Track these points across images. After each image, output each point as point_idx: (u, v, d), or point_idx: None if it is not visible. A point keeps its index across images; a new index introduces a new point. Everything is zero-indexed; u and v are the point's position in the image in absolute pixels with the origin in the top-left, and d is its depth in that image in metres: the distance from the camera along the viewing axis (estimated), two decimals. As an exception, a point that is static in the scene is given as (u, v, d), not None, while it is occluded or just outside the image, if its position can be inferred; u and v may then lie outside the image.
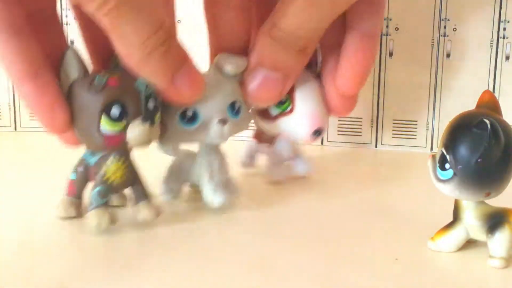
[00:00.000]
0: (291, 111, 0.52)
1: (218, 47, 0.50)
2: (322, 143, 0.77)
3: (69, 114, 0.43)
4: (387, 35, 0.74)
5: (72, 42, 0.43)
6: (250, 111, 0.51)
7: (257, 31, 0.46)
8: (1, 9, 0.40)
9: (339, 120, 0.76)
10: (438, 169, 0.40)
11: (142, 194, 0.47)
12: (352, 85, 0.47)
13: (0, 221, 0.49)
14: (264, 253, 0.42)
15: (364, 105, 0.75)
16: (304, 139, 0.52)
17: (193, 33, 0.80)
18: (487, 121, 0.37)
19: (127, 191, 0.48)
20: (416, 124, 0.75)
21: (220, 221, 0.49)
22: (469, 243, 0.43)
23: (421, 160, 0.50)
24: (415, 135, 0.75)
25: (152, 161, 0.48)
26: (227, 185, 0.51)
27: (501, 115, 0.41)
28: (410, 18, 0.73)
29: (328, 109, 0.51)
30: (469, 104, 0.70)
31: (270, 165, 0.59)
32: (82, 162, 0.49)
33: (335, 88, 0.49)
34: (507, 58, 0.72)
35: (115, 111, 0.42)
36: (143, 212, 0.46)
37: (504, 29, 0.71)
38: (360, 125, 0.76)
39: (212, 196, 0.49)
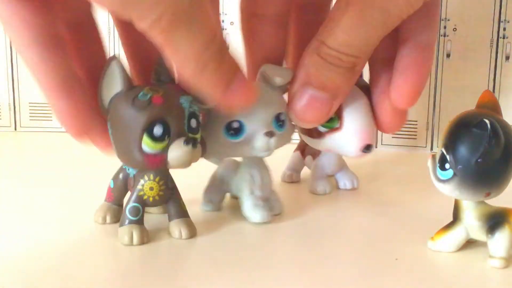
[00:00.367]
0: (339, 128, 0.51)
1: (253, 61, 0.49)
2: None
3: (105, 134, 0.42)
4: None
5: (115, 55, 0.42)
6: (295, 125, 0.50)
7: (293, 47, 0.45)
8: (36, 21, 0.39)
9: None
10: (438, 169, 0.40)
11: (178, 212, 0.45)
12: (409, 98, 0.44)
13: (0, 220, 0.49)
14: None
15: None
16: (353, 156, 0.51)
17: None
18: (487, 121, 0.37)
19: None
20: (416, 124, 0.75)
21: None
22: (469, 243, 0.43)
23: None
24: (415, 135, 0.76)
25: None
26: (269, 201, 0.50)
27: (501, 115, 0.41)
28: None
29: (378, 125, 0.49)
30: (468, 103, 0.70)
31: (313, 179, 0.58)
32: (122, 171, 0.48)
33: (389, 103, 0.46)
34: (507, 58, 0.72)
35: (157, 130, 0.40)
36: (177, 230, 0.45)
37: (504, 29, 0.71)
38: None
39: (251, 212, 0.48)
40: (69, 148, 0.80)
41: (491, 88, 0.73)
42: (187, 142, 0.41)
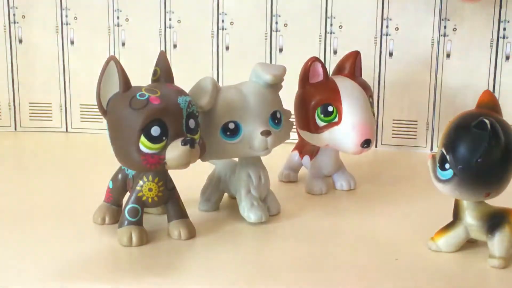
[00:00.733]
0: (338, 122, 0.52)
1: None
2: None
3: None
4: (387, 35, 0.74)
5: (113, 55, 0.41)
6: (294, 122, 0.50)
7: None
8: None
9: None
10: (438, 169, 0.40)
11: (177, 213, 0.45)
12: None
13: (1, 221, 0.49)
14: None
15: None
16: (352, 151, 0.52)
17: (193, 33, 0.80)
18: (487, 121, 0.37)
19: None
20: (416, 124, 0.75)
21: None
22: (469, 243, 0.43)
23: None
24: (415, 135, 0.75)
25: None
26: (266, 201, 0.50)
27: (501, 115, 0.41)
28: (410, 18, 0.73)
29: None
30: (468, 103, 0.70)
31: (310, 179, 0.58)
32: (121, 171, 0.48)
33: None
34: (507, 58, 0.72)
35: (155, 130, 0.40)
36: (176, 231, 0.45)
37: (504, 29, 0.71)
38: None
39: (248, 212, 0.48)
40: (68, 149, 0.80)
41: (491, 88, 0.72)
42: (185, 142, 0.41)
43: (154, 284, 0.38)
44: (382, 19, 0.74)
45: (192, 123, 0.42)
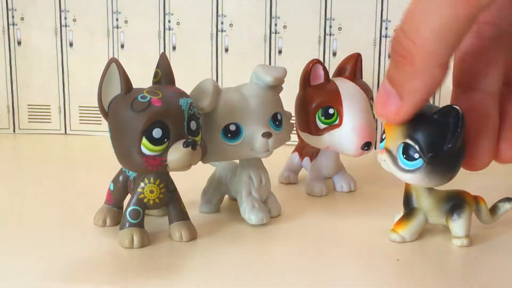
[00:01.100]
0: (338, 124, 0.52)
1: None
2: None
3: None
4: (386, 37, 0.74)
5: (114, 57, 0.41)
6: (294, 124, 0.50)
7: None
8: None
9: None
10: (402, 160, 0.40)
11: (179, 214, 0.45)
12: None
13: (1, 223, 0.49)
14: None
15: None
16: (353, 154, 0.52)
17: (192, 35, 0.80)
18: (458, 108, 0.37)
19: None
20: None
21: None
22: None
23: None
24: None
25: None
26: (267, 202, 0.50)
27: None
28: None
29: (497, 156, 0.40)
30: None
31: (310, 180, 0.58)
32: (122, 173, 0.48)
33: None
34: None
35: (156, 132, 0.40)
36: (178, 233, 0.45)
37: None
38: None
39: (249, 214, 0.48)
40: (67, 151, 0.80)
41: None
42: (186, 144, 0.41)
43: (155, 285, 0.38)
44: (382, 21, 0.74)
45: (193, 125, 0.42)
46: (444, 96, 0.74)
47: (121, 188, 0.48)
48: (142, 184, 0.44)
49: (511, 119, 0.38)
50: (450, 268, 0.42)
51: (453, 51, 0.33)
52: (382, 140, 0.42)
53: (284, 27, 0.77)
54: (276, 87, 0.48)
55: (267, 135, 0.45)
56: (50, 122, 0.84)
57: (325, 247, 0.45)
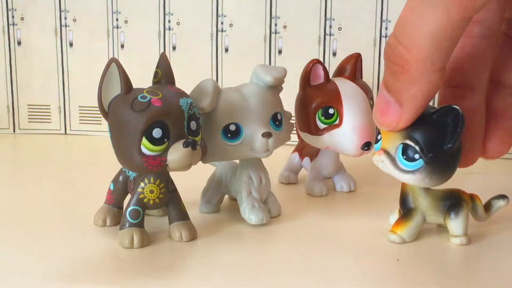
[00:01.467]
0: (338, 124, 0.52)
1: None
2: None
3: None
4: (386, 37, 0.74)
5: (114, 57, 0.41)
6: (294, 124, 0.50)
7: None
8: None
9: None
10: (402, 161, 0.40)
11: (179, 214, 0.45)
12: (498, 152, 0.39)
13: (1, 223, 0.49)
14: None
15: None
16: (353, 154, 0.52)
17: (192, 35, 0.80)
18: (458, 108, 0.38)
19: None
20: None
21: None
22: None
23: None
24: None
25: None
26: (267, 202, 0.50)
27: None
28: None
29: (483, 151, 0.41)
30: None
31: (310, 180, 0.58)
32: (122, 173, 0.48)
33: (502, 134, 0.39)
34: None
35: (156, 132, 0.40)
36: (178, 233, 0.45)
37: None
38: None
39: (249, 214, 0.48)
40: (67, 151, 0.80)
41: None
42: (186, 144, 0.41)
43: (155, 285, 0.38)
44: (382, 21, 0.74)
45: (193, 125, 0.42)
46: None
47: (121, 188, 0.48)
48: (142, 184, 0.44)
49: (497, 116, 0.38)
50: (450, 267, 0.42)
51: (449, 55, 0.33)
52: (377, 141, 0.42)
53: (284, 27, 0.77)
54: (276, 87, 0.48)
55: (267, 135, 0.45)
56: (50, 122, 0.84)
57: (325, 247, 0.45)
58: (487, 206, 0.46)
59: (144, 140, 0.40)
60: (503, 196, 0.46)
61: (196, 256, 0.43)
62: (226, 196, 0.53)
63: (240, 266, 0.41)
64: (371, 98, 0.55)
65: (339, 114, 0.51)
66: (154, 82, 0.44)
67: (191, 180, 0.49)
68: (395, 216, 0.47)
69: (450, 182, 0.41)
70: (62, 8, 0.81)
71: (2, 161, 0.72)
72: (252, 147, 0.46)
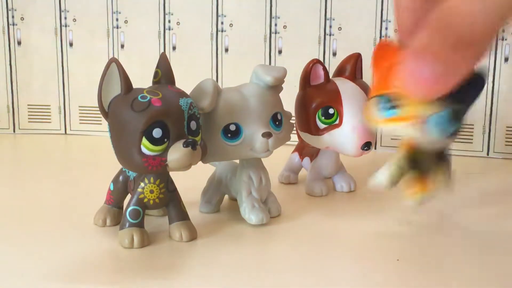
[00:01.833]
0: (338, 124, 0.52)
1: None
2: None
3: None
4: (386, 36, 0.74)
5: (114, 57, 0.41)
6: (294, 123, 0.50)
7: None
8: None
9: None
10: (443, 125, 0.39)
11: (179, 214, 0.45)
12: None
13: (0, 223, 0.49)
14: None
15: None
16: (353, 154, 0.52)
17: (192, 35, 0.80)
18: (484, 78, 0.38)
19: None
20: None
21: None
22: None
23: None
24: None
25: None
26: (267, 202, 0.50)
27: None
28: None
29: None
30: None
31: (310, 180, 0.58)
32: (122, 173, 0.48)
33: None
34: (506, 59, 0.72)
35: (156, 132, 0.40)
36: (178, 233, 0.45)
37: (503, 30, 0.71)
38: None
39: (249, 214, 0.48)
40: (67, 151, 0.80)
41: (490, 90, 0.73)
42: (186, 144, 0.41)
43: (155, 285, 0.38)
44: (382, 21, 0.74)
45: (193, 125, 0.42)
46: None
47: (121, 188, 0.48)
48: (142, 184, 0.44)
49: None
50: (450, 267, 0.42)
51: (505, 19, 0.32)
52: (391, 108, 0.39)
53: (284, 27, 0.77)
54: (276, 87, 0.48)
55: (267, 135, 0.45)
56: (50, 122, 0.84)
57: (325, 247, 0.45)
58: None
59: (144, 140, 0.40)
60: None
61: (196, 256, 0.43)
62: (226, 196, 0.53)
63: (240, 266, 0.41)
64: None
65: (339, 114, 0.51)
66: (154, 82, 0.44)
67: (191, 180, 0.49)
68: (383, 174, 0.42)
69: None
70: (62, 8, 0.81)
71: (2, 161, 0.72)
72: (252, 147, 0.46)
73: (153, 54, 0.78)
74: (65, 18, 0.81)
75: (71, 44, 0.82)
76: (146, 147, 0.41)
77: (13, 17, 0.82)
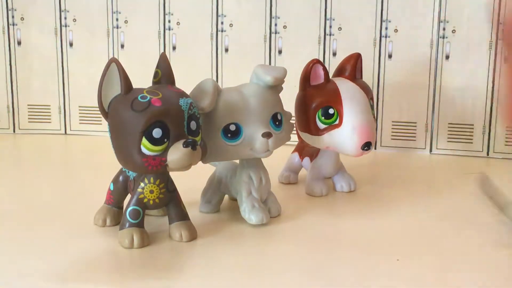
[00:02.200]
0: (338, 124, 0.52)
1: None
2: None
3: None
4: (386, 37, 0.74)
5: (114, 57, 0.41)
6: (294, 124, 0.50)
7: None
8: None
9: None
10: None
11: (179, 215, 0.45)
12: None
13: (0, 223, 0.49)
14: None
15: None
16: (353, 154, 0.52)
17: (192, 35, 0.80)
18: None
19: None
20: (415, 126, 0.75)
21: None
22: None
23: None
24: (414, 137, 0.76)
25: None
26: (267, 202, 0.50)
27: None
28: (409, 20, 0.73)
29: None
30: (467, 105, 0.70)
31: (310, 180, 0.58)
32: (122, 173, 0.48)
33: None
34: (506, 60, 0.72)
35: (156, 132, 0.40)
36: (178, 233, 0.45)
37: (503, 31, 0.71)
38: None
39: (249, 214, 0.48)
40: (67, 151, 0.80)
41: (490, 90, 0.73)
42: (186, 144, 0.41)
43: (155, 285, 0.38)
44: (381, 21, 0.74)
45: (193, 125, 0.42)
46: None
47: (121, 188, 0.48)
48: (142, 184, 0.44)
49: None
50: (450, 267, 0.42)
51: None
52: None
53: (284, 27, 0.77)
54: (276, 87, 0.48)
55: (267, 135, 0.46)
56: (50, 122, 0.84)
57: (325, 247, 0.45)
58: None
59: (144, 140, 0.40)
60: None
61: (196, 256, 0.43)
62: (226, 196, 0.53)
63: (240, 266, 0.41)
64: (371, 98, 0.55)
65: (339, 114, 0.51)
66: (154, 82, 0.44)
67: (191, 180, 0.49)
68: None
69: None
70: (62, 8, 0.81)
71: (2, 161, 0.72)
72: (252, 147, 0.46)
73: (153, 54, 0.78)
74: (65, 18, 0.81)
75: (71, 44, 0.82)
76: (146, 147, 0.41)
77: (13, 17, 0.82)
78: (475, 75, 0.73)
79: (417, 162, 0.71)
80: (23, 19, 0.82)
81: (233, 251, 0.43)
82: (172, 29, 0.80)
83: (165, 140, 0.41)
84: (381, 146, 0.76)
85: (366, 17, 0.74)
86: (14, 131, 0.84)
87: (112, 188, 0.48)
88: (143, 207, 0.44)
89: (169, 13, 0.79)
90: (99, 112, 0.43)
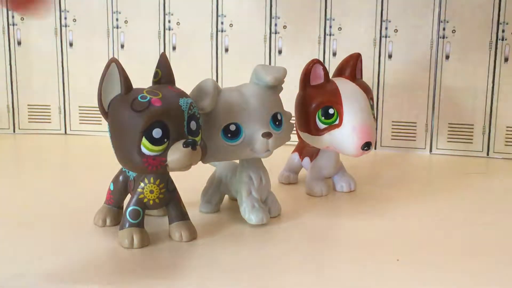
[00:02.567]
0: (338, 124, 0.52)
1: None
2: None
3: None
4: (386, 37, 0.74)
5: (114, 57, 0.40)
6: (294, 124, 0.50)
7: None
8: None
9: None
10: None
11: (178, 214, 0.45)
12: None
13: (0, 223, 0.49)
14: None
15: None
16: (353, 154, 0.52)
17: (192, 35, 0.80)
18: None
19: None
20: (415, 126, 0.75)
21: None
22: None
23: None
24: (414, 137, 0.76)
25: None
26: (267, 202, 0.50)
27: None
28: (409, 20, 0.73)
29: None
30: (467, 105, 0.70)
31: (310, 180, 0.58)
32: (122, 173, 0.48)
33: None
34: (506, 59, 0.72)
35: (156, 132, 0.40)
36: (178, 233, 0.45)
37: (503, 31, 0.71)
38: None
39: (249, 214, 0.48)
40: (67, 151, 0.80)
41: (490, 90, 0.73)
42: (186, 144, 0.41)
43: (155, 285, 0.38)
44: (381, 21, 0.74)
45: (193, 125, 0.42)
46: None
47: (121, 188, 0.48)
48: (142, 184, 0.44)
49: None
50: (450, 267, 0.42)
51: None
52: None
53: (284, 27, 0.77)
54: (276, 87, 0.48)
55: (267, 135, 0.46)
56: (50, 122, 0.84)
57: (325, 247, 0.45)
58: None
59: (144, 140, 0.40)
60: None
61: (196, 256, 0.43)
62: (226, 196, 0.53)
63: (240, 266, 0.41)
64: (371, 98, 0.55)
65: (339, 114, 0.51)
66: (154, 82, 0.44)
67: (191, 180, 0.49)
68: None
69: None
70: (62, 8, 0.81)
71: (2, 161, 0.72)
72: (252, 147, 0.46)
73: (153, 54, 0.78)
74: (65, 18, 0.81)
75: (71, 44, 0.82)
76: (146, 147, 0.41)
77: (13, 17, 0.82)
78: (475, 75, 0.73)
79: (417, 162, 0.71)
80: (23, 19, 0.82)
81: (233, 251, 0.43)
82: (172, 29, 0.80)
83: (165, 140, 0.41)
84: (381, 146, 0.76)
85: (366, 17, 0.74)
86: (14, 131, 0.84)
87: (112, 188, 0.48)
88: (143, 207, 0.44)
89: (169, 13, 0.79)
90: (99, 112, 0.43)
